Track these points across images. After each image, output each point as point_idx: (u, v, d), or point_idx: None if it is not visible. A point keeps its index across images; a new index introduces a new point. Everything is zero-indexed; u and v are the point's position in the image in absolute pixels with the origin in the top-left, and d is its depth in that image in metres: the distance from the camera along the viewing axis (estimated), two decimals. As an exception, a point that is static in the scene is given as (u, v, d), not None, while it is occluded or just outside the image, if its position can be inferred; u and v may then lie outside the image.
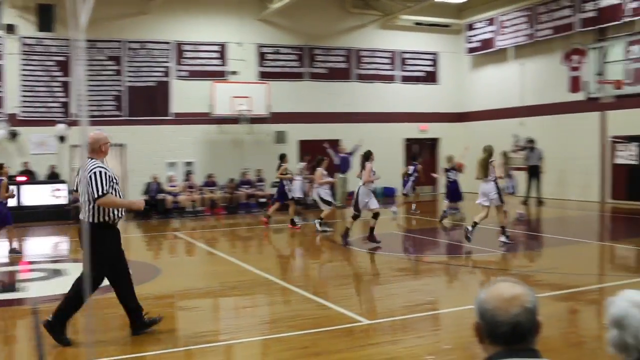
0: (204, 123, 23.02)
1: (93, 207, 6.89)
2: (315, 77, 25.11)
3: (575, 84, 22.15)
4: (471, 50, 26.78)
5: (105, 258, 6.91)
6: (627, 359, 2.49)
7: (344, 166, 21.90)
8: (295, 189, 18.42)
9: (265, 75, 24.12)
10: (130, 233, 17.79)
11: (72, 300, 6.98)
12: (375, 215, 13.66)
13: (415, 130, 26.94)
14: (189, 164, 22.67)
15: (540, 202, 20.79)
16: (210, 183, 21.94)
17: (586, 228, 16.45)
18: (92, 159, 7.11)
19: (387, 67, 26.43)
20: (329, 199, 16.44)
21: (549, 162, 21.05)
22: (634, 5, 19.31)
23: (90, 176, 6.86)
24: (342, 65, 25.61)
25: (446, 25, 27.37)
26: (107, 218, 6.99)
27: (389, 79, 26.46)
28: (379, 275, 10.76)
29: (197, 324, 7.90)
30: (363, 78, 25.93)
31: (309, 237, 16.14)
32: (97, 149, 7.20)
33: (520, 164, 23.89)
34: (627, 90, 16.83)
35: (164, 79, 22.73)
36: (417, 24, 26.68)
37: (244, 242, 16.45)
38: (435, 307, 8.66)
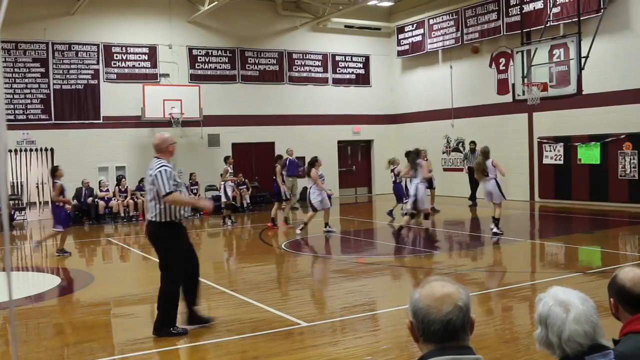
0: (135, 126, 22.64)
1: (160, 206, 7.02)
2: (247, 79, 25.02)
3: (502, 86, 22.74)
4: (402, 53, 27.15)
5: (178, 252, 7.16)
6: (552, 355, 2.57)
7: (292, 170, 22.21)
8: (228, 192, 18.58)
9: (196, 78, 23.90)
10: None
11: (165, 299, 7.21)
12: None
13: (348, 132, 27.15)
14: (120, 168, 22.25)
15: (475, 203, 21.03)
16: (142, 187, 21.54)
17: (517, 227, 16.86)
18: (157, 158, 7.21)
19: (319, 69, 26.55)
20: (316, 203, 15.93)
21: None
22: (556, 10, 19.98)
23: (156, 175, 7.00)
24: (274, 68, 25.59)
25: (377, 29, 27.69)
26: (173, 217, 7.10)
27: (321, 81, 26.58)
28: (316, 277, 10.79)
29: (133, 331, 7.76)
30: (295, 80, 25.98)
31: (245, 240, 16.05)
32: (165, 149, 7.29)
33: (458, 165, 24.40)
34: (552, 92, 17.32)
35: (93, 81, 22.24)
36: (348, 26, 26.91)
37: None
38: (373, 308, 8.74)
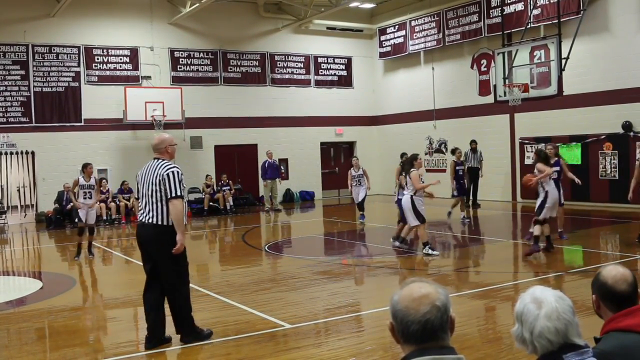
0: (116, 129, 22.53)
1: (166, 208, 6.73)
2: (230, 81, 24.97)
3: (484, 88, 22.87)
4: (383, 54, 27.22)
5: (184, 259, 7.03)
6: (527, 352, 2.60)
7: (271, 173, 22.44)
8: None
9: (178, 80, 23.82)
10: (44, 243, 17.23)
11: (182, 306, 6.98)
12: None
13: (331, 134, 27.18)
14: (102, 171, 22.09)
15: (476, 204, 20.97)
16: (124, 190, 21.46)
17: (499, 227, 16.94)
18: (160, 159, 6.93)
19: (302, 71, 26.55)
20: (423, 211, 12.83)
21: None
22: (537, 12, 20.13)
23: (167, 174, 6.72)
24: (256, 70, 25.56)
25: (359, 30, 27.75)
26: (171, 216, 6.80)
27: (304, 83, 26.58)
28: (299, 279, 10.78)
29: (116, 335, 7.72)
30: (277, 82, 25.96)
31: (228, 243, 16.00)
32: (163, 150, 7.00)
33: (441, 167, 24.49)
34: (533, 93, 17.44)
35: (74, 84, 22.10)
36: (330, 28, 26.94)
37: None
38: (357, 309, 8.74)
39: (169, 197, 6.68)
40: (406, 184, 12.41)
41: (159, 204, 6.73)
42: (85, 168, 13.56)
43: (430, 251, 12.14)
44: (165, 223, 6.74)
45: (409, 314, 2.28)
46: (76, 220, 13.84)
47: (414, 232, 13.00)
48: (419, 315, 2.26)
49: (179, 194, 6.70)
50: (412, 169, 12.15)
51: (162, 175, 6.71)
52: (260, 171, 23.02)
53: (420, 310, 2.27)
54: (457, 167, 17.50)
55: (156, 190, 6.73)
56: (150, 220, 6.78)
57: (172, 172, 6.75)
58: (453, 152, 18.38)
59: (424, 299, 2.29)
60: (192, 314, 7.07)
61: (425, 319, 2.26)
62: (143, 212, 6.90)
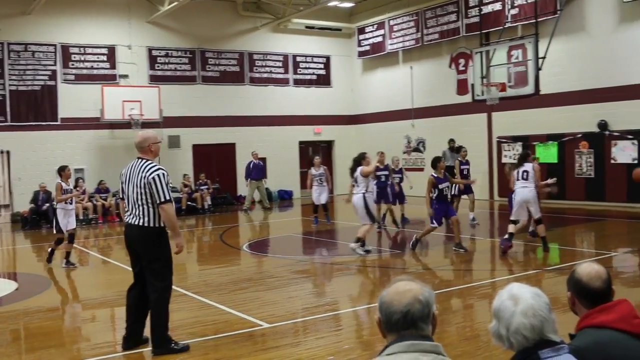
0: (94, 128, 22.35)
1: (153, 210, 6.57)
2: (208, 80, 24.87)
3: (462, 87, 22.99)
4: (362, 53, 27.27)
5: (171, 257, 6.75)
6: (503, 348, 2.63)
7: (257, 173, 22.44)
8: None
9: (156, 79, 23.68)
10: (19, 244, 17.05)
11: (160, 311, 6.69)
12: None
13: (310, 133, 27.18)
14: (79, 170, 21.88)
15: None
16: (102, 190, 21.29)
17: (477, 225, 16.99)
18: (144, 159, 6.76)
19: (280, 70, 26.52)
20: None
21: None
22: (514, 12, 20.27)
23: (153, 178, 6.53)
24: (235, 69, 25.48)
25: (337, 29, 27.78)
26: (163, 223, 6.66)
27: (282, 82, 26.55)
28: (278, 278, 10.76)
29: (93, 336, 7.65)
30: (256, 81, 25.90)
31: (205, 243, 15.93)
32: (146, 149, 6.83)
33: (419, 165, 24.60)
34: (511, 92, 17.54)
35: (50, 82, 21.88)
36: (309, 27, 26.94)
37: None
38: (335, 308, 8.74)
39: (157, 202, 6.54)
40: (355, 182, 12.38)
41: (145, 206, 6.60)
42: (63, 171, 12.63)
43: (360, 250, 12.17)
44: (150, 225, 6.61)
45: (393, 305, 2.43)
46: (55, 231, 12.39)
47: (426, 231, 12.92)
48: (401, 306, 2.41)
49: (167, 198, 6.55)
50: (361, 167, 12.29)
51: (148, 179, 6.55)
52: (245, 171, 22.87)
53: (403, 302, 2.42)
54: (462, 167, 16.88)
55: (141, 192, 6.58)
56: (135, 222, 6.66)
57: (158, 175, 6.57)
58: (458, 150, 17.39)
59: (407, 292, 2.45)
60: (168, 324, 6.83)
61: (407, 310, 2.41)
62: (129, 213, 6.78)
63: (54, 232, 12.39)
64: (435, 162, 12.49)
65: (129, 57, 23.22)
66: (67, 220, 12.31)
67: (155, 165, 6.68)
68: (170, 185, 6.91)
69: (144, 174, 6.58)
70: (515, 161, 13.60)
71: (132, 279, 6.92)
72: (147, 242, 6.64)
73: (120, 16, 23.09)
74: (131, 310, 6.87)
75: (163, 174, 6.62)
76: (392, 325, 2.43)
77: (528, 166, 12.09)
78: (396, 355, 2.38)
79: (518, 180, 12.04)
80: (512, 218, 12.17)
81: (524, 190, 11.96)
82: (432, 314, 2.47)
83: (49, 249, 12.72)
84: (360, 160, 12.50)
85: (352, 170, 12.60)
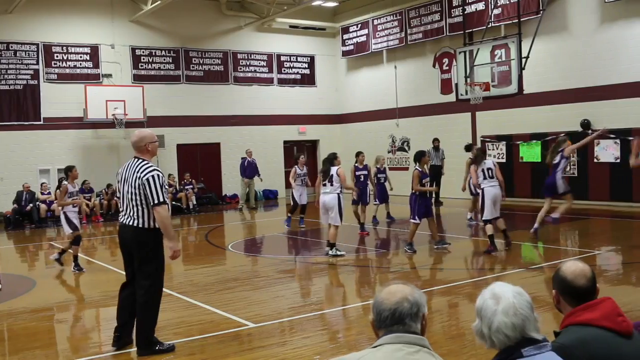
0: (77, 128, 22.23)
1: (147, 211, 6.50)
2: (192, 80, 24.80)
3: (446, 86, 23.08)
4: (346, 53, 27.30)
5: (163, 259, 6.68)
6: (486, 346, 2.66)
7: (250, 171, 22.43)
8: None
9: (140, 78, 23.57)
10: (2, 244, 16.93)
11: (148, 313, 6.62)
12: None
13: (294, 132, 27.17)
14: (62, 170, 21.70)
15: (439, 202, 21.01)
16: (85, 190, 21.14)
17: (461, 224, 17.06)
18: (140, 159, 6.65)
19: (264, 69, 26.49)
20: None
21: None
22: (497, 11, 20.38)
23: (147, 179, 6.44)
24: (219, 68, 25.42)
25: (322, 29, 27.79)
26: (157, 225, 6.58)
27: (267, 81, 26.53)
28: (263, 278, 10.76)
29: (78, 337, 7.61)
30: (240, 81, 25.86)
31: (191, 243, 15.89)
32: (143, 148, 6.69)
33: (403, 165, 24.65)
34: (494, 92, 17.62)
35: (32, 82, 21.72)
36: (293, 27, 26.93)
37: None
38: (321, 307, 8.75)
39: (151, 204, 6.47)
40: (330, 181, 12.25)
41: (139, 207, 6.54)
42: (71, 171, 11.98)
43: (337, 252, 12.17)
44: (144, 226, 6.56)
45: (383, 304, 2.58)
46: (70, 229, 11.67)
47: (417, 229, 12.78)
48: (390, 304, 2.56)
49: (161, 200, 6.46)
50: (338, 167, 12.28)
51: (142, 179, 6.47)
52: (240, 169, 23.01)
53: (392, 300, 2.57)
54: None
55: (135, 193, 6.52)
56: (129, 222, 6.61)
57: (152, 176, 6.48)
58: (469, 148, 16.51)
59: (398, 293, 2.60)
60: (155, 325, 6.78)
61: (395, 307, 2.55)
62: (124, 213, 6.72)
63: (69, 232, 11.75)
64: (419, 157, 12.49)
65: (112, 57, 23.11)
66: (78, 220, 11.95)
67: (151, 166, 6.60)
68: (167, 187, 6.75)
69: (138, 175, 6.52)
70: (473, 157, 13.47)
71: (118, 280, 6.91)
72: (141, 243, 6.58)
73: (103, 15, 22.96)
74: (124, 311, 6.83)
75: (158, 175, 6.55)
76: (382, 322, 2.56)
77: (489, 163, 12.25)
78: (382, 347, 2.50)
79: (485, 179, 12.16)
80: (485, 218, 12.22)
81: (493, 189, 12.11)
82: (422, 314, 2.59)
83: (59, 251, 12.22)
84: (332, 159, 12.50)
85: (325, 171, 12.47)
